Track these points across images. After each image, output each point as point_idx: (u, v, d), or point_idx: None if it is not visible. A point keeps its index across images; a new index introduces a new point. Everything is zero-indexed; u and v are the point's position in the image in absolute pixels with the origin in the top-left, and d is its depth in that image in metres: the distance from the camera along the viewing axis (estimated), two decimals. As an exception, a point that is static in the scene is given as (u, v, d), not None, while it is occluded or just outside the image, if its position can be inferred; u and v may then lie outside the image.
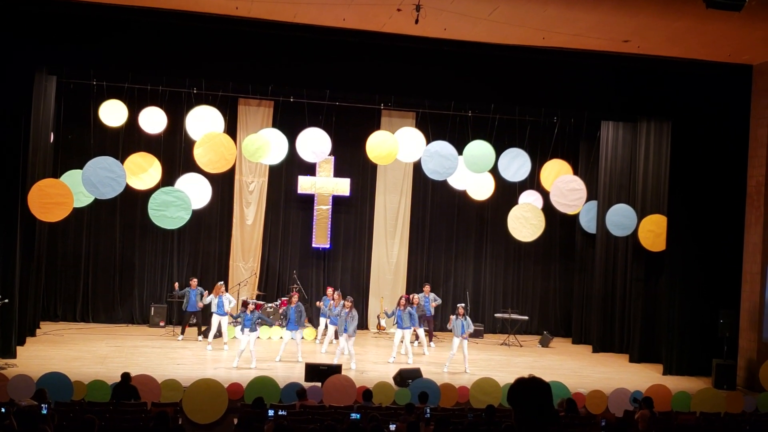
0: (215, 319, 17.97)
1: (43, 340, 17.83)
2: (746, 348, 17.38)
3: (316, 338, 19.37)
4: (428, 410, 11.07)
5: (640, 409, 12.54)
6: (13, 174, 15.78)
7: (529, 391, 4.08)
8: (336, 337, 17.35)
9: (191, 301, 18.60)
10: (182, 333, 18.80)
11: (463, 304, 17.59)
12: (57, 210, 16.46)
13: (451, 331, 17.05)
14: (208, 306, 18.36)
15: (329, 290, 18.96)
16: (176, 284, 19.36)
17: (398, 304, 17.93)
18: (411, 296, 18.70)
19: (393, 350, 17.63)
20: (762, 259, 17.14)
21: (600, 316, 20.77)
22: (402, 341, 17.55)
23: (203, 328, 18.85)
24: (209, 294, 18.28)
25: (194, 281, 19.00)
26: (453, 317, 16.94)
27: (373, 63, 17.24)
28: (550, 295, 23.00)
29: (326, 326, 18.36)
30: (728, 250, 17.90)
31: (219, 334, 18.27)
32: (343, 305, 16.76)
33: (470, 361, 17.07)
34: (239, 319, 16.45)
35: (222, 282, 18.86)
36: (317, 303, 18.77)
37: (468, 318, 16.94)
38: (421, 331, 18.70)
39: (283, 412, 11.07)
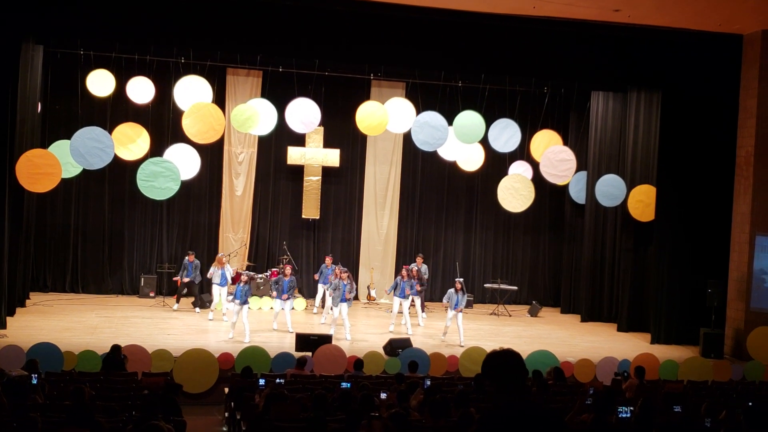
0: (216, 290, 18.04)
1: (33, 311, 17.82)
2: (734, 317, 17.51)
3: (314, 307, 19.32)
4: (428, 382, 11.11)
5: (627, 379, 12.64)
6: (0, 144, 15.68)
7: (503, 363, 4.11)
8: (331, 309, 17.30)
9: (189, 273, 18.72)
10: (177, 302, 18.85)
11: (461, 279, 17.64)
12: (45, 180, 16.39)
13: (446, 303, 16.95)
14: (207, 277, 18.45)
15: (328, 259, 18.95)
16: (192, 254, 19.16)
17: (400, 274, 17.94)
18: (411, 268, 18.65)
19: (392, 319, 17.67)
20: (750, 229, 17.22)
21: (589, 286, 20.88)
22: (401, 311, 17.66)
23: (192, 300, 18.95)
24: (210, 267, 18.30)
25: (192, 254, 19.02)
26: (451, 291, 16.90)
27: (363, 33, 17.14)
28: (540, 265, 23.08)
29: (324, 295, 18.38)
30: (717, 220, 17.99)
31: (208, 304, 18.34)
32: (340, 277, 16.76)
33: (454, 330, 17.09)
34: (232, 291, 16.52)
35: (223, 254, 18.87)
36: (329, 269, 18.55)
37: (463, 292, 16.95)
38: (417, 301, 18.70)
39: (281, 380, 11.13)
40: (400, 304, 17.75)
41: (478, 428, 4.08)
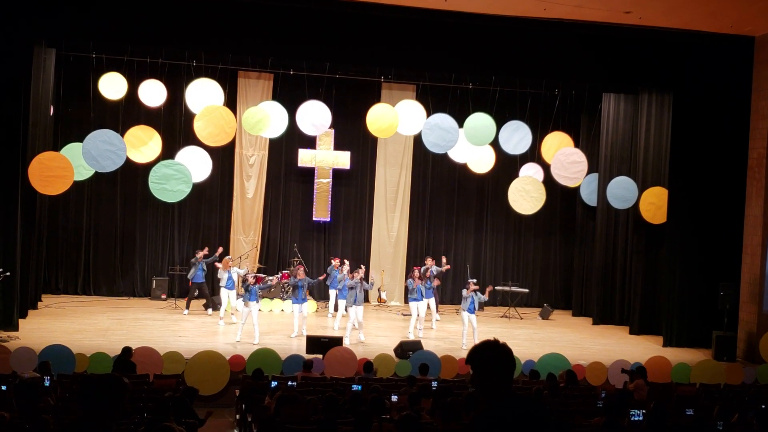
0: (224, 293, 18.00)
1: (45, 313, 17.89)
2: (746, 320, 17.42)
3: (327, 311, 19.24)
4: (435, 383, 11.10)
5: (633, 379, 12.57)
6: (13, 147, 15.75)
7: (490, 354, 4.08)
8: (345, 310, 17.23)
9: (198, 273, 18.64)
10: (187, 307, 18.75)
11: (474, 280, 17.60)
12: (57, 183, 16.47)
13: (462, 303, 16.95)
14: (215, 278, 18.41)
15: (335, 261, 18.92)
16: (203, 251, 18.94)
17: (413, 276, 17.76)
18: (424, 270, 18.59)
19: (411, 324, 17.57)
20: (763, 232, 17.14)
21: (600, 289, 20.81)
22: (418, 315, 17.54)
23: (203, 302, 18.95)
24: (219, 268, 18.25)
25: (201, 253, 18.93)
26: (464, 291, 16.88)
27: (373, 35, 17.15)
28: (551, 268, 23.03)
29: (336, 299, 18.20)
30: (729, 222, 17.90)
31: (219, 307, 18.33)
32: (352, 276, 16.74)
33: (469, 333, 16.96)
34: (243, 292, 16.51)
35: (230, 256, 18.88)
36: (336, 270, 18.51)
37: (478, 293, 16.88)
38: (433, 303, 18.67)
39: (293, 383, 11.14)
40: (418, 308, 17.62)
41: (473, 426, 4.04)
